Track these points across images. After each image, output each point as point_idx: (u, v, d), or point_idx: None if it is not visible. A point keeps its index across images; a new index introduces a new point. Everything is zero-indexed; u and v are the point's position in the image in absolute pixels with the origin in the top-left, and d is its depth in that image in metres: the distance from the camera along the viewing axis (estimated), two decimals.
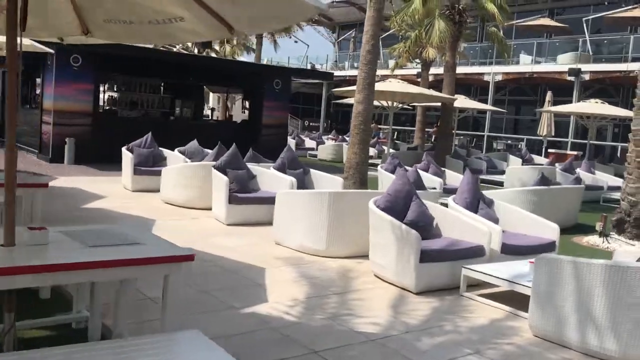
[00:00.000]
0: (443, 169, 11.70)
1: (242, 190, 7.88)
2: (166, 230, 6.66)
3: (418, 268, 5.05)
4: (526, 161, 19.43)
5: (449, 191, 10.80)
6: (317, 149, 21.10)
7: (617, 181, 14.71)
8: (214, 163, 8.20)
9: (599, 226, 8.22)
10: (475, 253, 5.46)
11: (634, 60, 24.96)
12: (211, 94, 29.54)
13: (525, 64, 28.42)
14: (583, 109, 17.24)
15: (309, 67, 41.69)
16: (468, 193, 6.34)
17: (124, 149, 10.14)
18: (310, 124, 41.33)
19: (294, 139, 21.94)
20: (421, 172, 11.04)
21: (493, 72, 29.33)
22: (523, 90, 30.81)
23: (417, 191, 5.96)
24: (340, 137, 24.92)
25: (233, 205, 7.55)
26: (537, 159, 20.92)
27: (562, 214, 9.25)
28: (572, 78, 26.03)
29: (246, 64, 21.90)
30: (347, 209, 6.15)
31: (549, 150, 24.78)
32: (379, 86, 16.87)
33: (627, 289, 3.67)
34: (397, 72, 32.43)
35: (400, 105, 16.62)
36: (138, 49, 13.08)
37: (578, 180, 9.54)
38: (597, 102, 17.36)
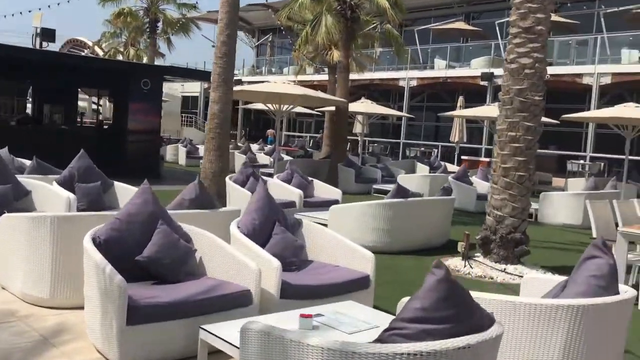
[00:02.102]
0: (311, 179, 10.12)
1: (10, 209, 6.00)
2: None
3: (124, 333, 3.35)
4: (435, 168, 18.23)
5: (314, 205, 9.26)
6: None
7: None
8: None
9: (460, 247, 6.80)
10: (237, 302, 3.82)
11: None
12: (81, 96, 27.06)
13: (440, 69, 27.55)
14: (489, 113, 16.09)
15: (247, 71, 39.90)
16: (257, 213, 4.71)
17: None
18: (230, 131, 39.40)
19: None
20: (281, 184, 9.45)
21: (408, 77, 28.35)
22: (440, 96, 29.95)
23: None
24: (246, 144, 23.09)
25: None
26: (449, 166, 19.77)
27: (429, 231, 7.83)
28: (485, 83, 25.27)
29: (112, 62, 19.73)
30: (81, 239, 4.38)
31: (462, 157, 23.81)
32: (257, 87, 15.30)
33: None
34: (313, 78, 31.16)
35: (287, 108, 15.01)
36: None
37: (448, 191, 8.13)
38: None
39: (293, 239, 4.75)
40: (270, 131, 27.04)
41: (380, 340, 2.22)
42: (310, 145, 28.65)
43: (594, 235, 5.92)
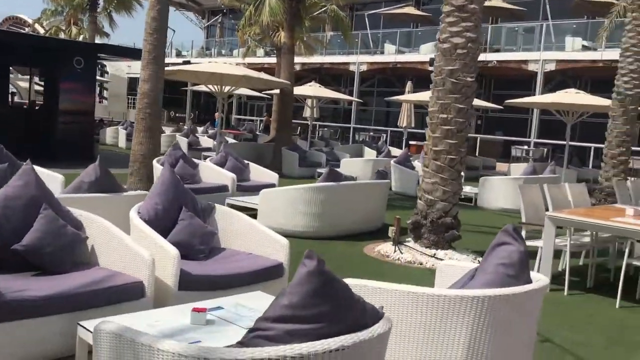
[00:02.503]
0: (247, 162, 9.74)
1: None
2: None
3: None
4: (382, 153, 18.11)
5: (248, 190, 8.90)
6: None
7: None
8: None
9: (391, 232, 6.58)
10: (126, 294, 3.46)
11: (493, 50, 24.60)
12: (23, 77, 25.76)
13: (390, 54, 27.41)
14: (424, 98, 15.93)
15: (174, 53, 38.82)
16: (161, 197, 4.33)
17: None
18: (176, 114, 38.43)
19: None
20: (214, 167, 9.04)
21: (358, 61, 28.12)
22: (390, 81, 29.86)
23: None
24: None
25: None
26: (396, 151, 19.66)
27: (363, 215, 7.60)
28: (432, 68, 25.23)
29: (42, 39, 18.72)
30: None
31: (410, 142, 23.80)
32: (197, 67, 14.76)
33: None
34: (263, 60, 30.55)
35: (229, 90, 14.53)
36: None
37: (383, 175, 7.91)
38: None
39: (202, 225, 4.40)
40: (217, 114, 26.34)
41: (242, 343, 1.92)
42: (261, 129, 28.17)
43: (523, 219, 5.78)
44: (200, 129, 21.93)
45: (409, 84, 23.55)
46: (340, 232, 7.27)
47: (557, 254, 5.75)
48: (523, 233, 5.83)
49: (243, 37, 18.31)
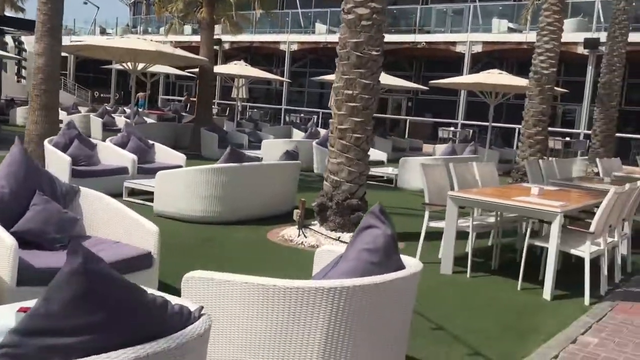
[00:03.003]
0: (152, 142, 9.13)
1: None
2: None
3: None
4: (311, 135, 17.73)
5: (151, 172, 8.31)
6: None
7: (380, 155, 13.42)
8: None
9: (295, 215, 6.22)
10: None
11: (422, 32, 24.61)
12: None
13: (321, 34, 26.99)
14: None
15: (97, 31, 37.04)
16: (8, 179, 3.77)
17: None
18: (101, 95, 36.77)
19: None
20: (113, 148, 8.41)
21: (288, 40, 27.56)
22: (322, 61, 29.47)
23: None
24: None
25: None
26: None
27: (271, 198, 7.20)
28: None
29: None
30: None
31: None
32: (106, 42, 13.93)
33: None
34: (191, 39, 29.49)
35: (143, 67, 13.76)
36: None
37: (293, 155, 7.52)
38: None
39: (59, 211, 3.88)
40: (140, 94, 25.28)
41: None
42: (187, 109, 27.23)
43: (426, 200, 5.54)
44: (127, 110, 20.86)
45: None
46: (245, 216, 6.85)
47: (466, 235, 5.55)
48: (426, 214, 5.60)
49: (160, 12, 17.38)
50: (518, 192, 5.70)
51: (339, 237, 6.03)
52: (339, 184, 6.17)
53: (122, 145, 8.58)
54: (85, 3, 40.65)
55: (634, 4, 15.04)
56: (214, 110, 28.93)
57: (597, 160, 9.91)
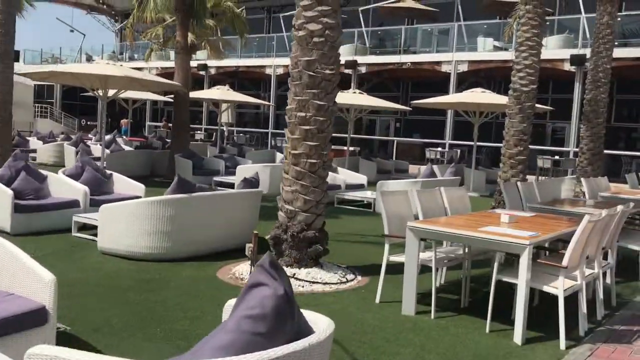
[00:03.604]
0: (110, 172, 8.60)
1: None
2: None
3: None
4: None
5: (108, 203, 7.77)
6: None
7: (360, 178, 12.91)
8: None
9: (248, 249, 5.66)
10: None
11: (407, 52, 24.30)
12: None
13: None
14: (351, 100, 15.04)
15: (84, 58, 36.77)
16: None
17: None
18: (88, 122, 36.37)
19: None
20: (65, 180, 7.88)
21: (274, 64, 27.26)
22: None
23: None
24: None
25: None
26: None
27: (227, 230, 6.66)
28: (349, 70, 24.72)
29: None
30: None
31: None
32: (70, 67, 13.50)
33: None
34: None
35: (115, 93, 13.30)
36: None
37: (252, 183, 6.99)
38: (357, 93, 15.49)
39: None
40: (123, 121, 24.84)
41: None
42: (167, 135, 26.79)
43: (386, 231, 5.00)
44: (107, 137, 20.38)
45: None
46: (197, 251, 6.30)
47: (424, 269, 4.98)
48: (386, 247, 5.06)
49: (131, 37, 17.01)
50: (489, 220, 5.17)
51: (294, 274, 5.48)
52: (294, 214, 5.63)
53: (76, 176, 8.05)
54: (72, 31, 40.52)
55: (618, 19, 14.73)
56: (200, 136, 28.56)
57: (583, 180, 9.40)
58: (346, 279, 5.66)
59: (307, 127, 5.53)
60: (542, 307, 4.99)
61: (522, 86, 9.67)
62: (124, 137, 22.58)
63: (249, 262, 5.69)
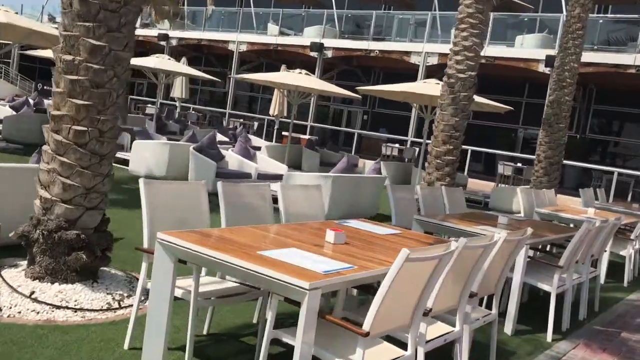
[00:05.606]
0: None
1: None
2: None
3: None
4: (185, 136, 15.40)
5: None
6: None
7: (281, 169, 11.17)
8: None
9: None
10: None
11: (376, 39, 22.51)
12: None
13: (273, 35, 24.84)
14: (309, 84, 13.19)
15: (46, 18, 34.64)
16: None
17: None
18: (44, 87, 34.24)
19: None
20: None
21: (238, 40, 25.38)
22: (273, 65, 27.29)
23: None
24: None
25: None
26: (258, 141, 17.09)
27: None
28: (315, 54, 22.95)
29: None
30: None
31: (283, 133, 21.36)
32: None
33: None
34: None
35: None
36: None
37: None
38: (302, 74, 13.71)
39: None
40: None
41: None
42: None
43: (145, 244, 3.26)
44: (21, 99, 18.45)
45: (282, 67, 21.06)
46: None
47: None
48: (143, 266, 3.31)
49: None
50: (308, 237, 3.45)
51: (32, 293, 3.72)
52: (50, 204, 3.87)
53: None
54: None
55: (591, 13, 13.08)
56: (152, 111, 26.55)
57: (519, 191, 7.72)
58: (120, 304, 3.90)
59: (75, 77, 3.76)
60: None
61: (459, 72, 7.98)
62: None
63: None
